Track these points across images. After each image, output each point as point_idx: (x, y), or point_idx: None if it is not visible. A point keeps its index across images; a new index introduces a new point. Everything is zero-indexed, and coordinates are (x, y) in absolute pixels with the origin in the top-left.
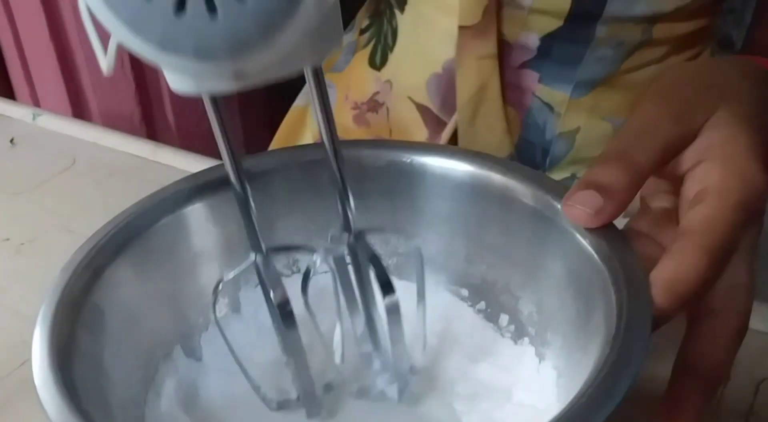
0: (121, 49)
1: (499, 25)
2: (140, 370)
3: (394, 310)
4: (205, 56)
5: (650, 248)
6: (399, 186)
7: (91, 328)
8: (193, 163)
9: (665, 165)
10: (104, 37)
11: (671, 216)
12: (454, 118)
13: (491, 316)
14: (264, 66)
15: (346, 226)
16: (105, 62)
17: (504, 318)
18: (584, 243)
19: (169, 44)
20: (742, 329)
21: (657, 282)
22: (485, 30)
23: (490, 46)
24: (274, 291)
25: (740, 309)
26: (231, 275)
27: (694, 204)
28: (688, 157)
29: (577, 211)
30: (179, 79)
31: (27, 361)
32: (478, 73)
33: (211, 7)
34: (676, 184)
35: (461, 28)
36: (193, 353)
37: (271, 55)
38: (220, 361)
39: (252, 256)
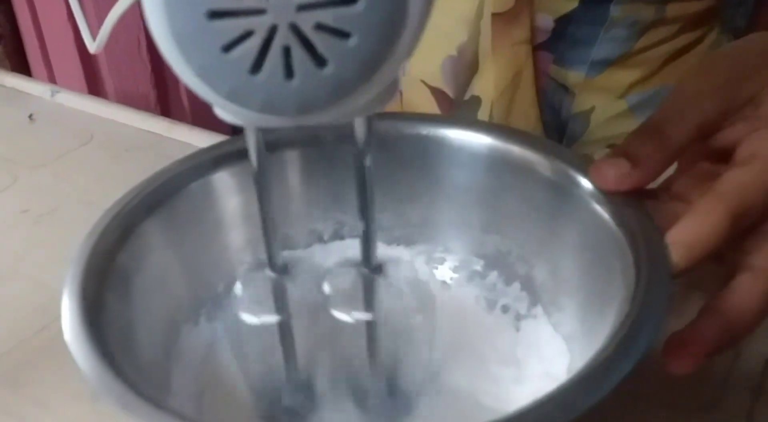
0: (137, 33)
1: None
2: (164, 332)
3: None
4: (272, 112)
5: (678, 210)
6: (417, 157)
7: (118, 288)
8: (207, 140)
9: (704, 139)
10: (91, 15)
11: (712, 179)
12: (486, 108)
13: (501, 289)
14: (325, 119)
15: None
16: (93, 41)
17: (515, 287)
18: (600, 210)
19: (237, 98)
20: None
21: (675, 243)
22: (519, 15)
23: (524, 31)
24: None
25: None
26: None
27: (737, 166)
28: (743, 127)
29: (603, 172)
30: (230, 115)
31: (45, 327)
32: (513, 60)
33: (288, 72)
34: (726, 153)
35: (494, 15)
36: (215, 317)
37: (336, 114)
38: (239, 326)
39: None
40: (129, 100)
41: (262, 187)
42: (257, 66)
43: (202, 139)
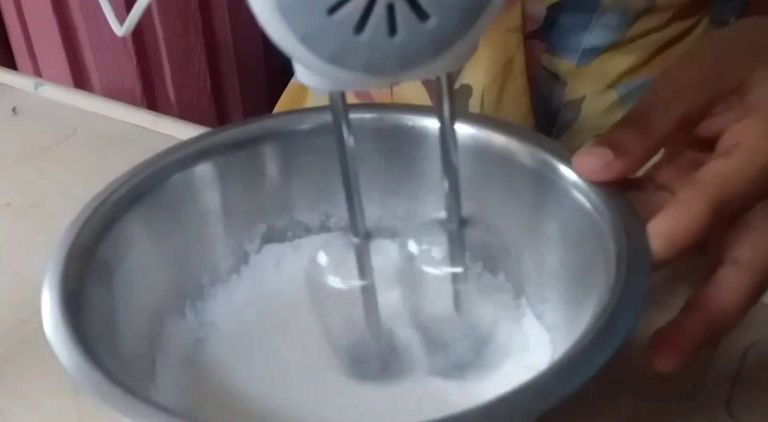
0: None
1: None
2: (147, 324)
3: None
4: (376, 72)
5: (663, 200)
6: (401, 148)
7: (99, 281)
8: (193, 133)
9: (689, 128)
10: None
11: (698, 168)
12: (477, 97)
13: (488, 279)
14: (420, 75)
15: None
16: (120, 25)
17: (501, 277)
18: (583, 200)
19: (340, 60)
20: (761, 287)
21: (656, 234)
22: (510, 3)
23: (516, 19)
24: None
25: (765, 267)
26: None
27: (720, 156)
28: (728, 116)
29: (586, 162)
30: (319, 80)
31: (26, 321)
32: (504, 48)
33: (392, 29)
34: (713, 141)
35: None
36: (198, 310)
37: (431, 69)
38: (225, 318)
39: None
40: (115, 93)
41: (345, 153)
42: (361, 25)
43: (187, 132)
